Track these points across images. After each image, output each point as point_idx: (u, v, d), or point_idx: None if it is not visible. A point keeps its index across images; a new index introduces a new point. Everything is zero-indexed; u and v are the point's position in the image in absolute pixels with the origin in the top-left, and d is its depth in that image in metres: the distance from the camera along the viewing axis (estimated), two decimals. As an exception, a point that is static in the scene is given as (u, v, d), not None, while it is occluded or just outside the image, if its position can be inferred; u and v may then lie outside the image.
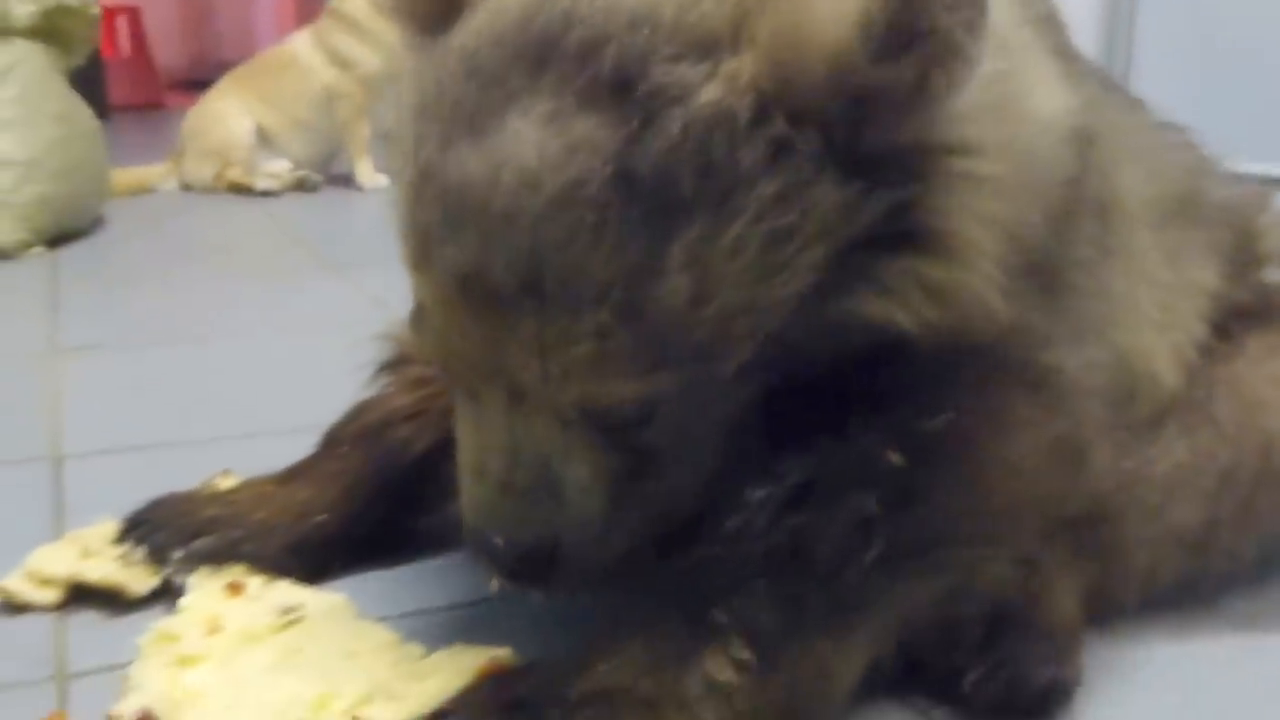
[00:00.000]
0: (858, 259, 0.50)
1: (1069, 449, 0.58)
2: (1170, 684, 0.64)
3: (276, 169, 2.70)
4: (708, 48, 0.47)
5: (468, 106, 0.50)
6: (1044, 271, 0.57)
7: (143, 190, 2.64)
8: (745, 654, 0.52)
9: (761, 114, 0.47)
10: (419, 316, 0.55)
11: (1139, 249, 0.68)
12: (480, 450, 0.54)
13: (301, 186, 2.69)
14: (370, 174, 2.74)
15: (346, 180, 2.75)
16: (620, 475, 0.53)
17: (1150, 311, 0.68)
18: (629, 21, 0.47)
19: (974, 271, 0.51)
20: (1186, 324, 0.71)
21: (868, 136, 0.47)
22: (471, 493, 0.55)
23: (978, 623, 0.58)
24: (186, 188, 2.70)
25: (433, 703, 0.57)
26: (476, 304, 0.49)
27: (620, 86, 0.47)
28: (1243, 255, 0.76)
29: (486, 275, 0.48)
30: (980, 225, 0.50)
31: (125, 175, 2.54)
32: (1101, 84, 0.73)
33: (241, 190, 2.62)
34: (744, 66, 0.47)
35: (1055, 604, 0.62)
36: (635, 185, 0.46)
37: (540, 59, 0.48)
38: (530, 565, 0.55)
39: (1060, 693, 0.59)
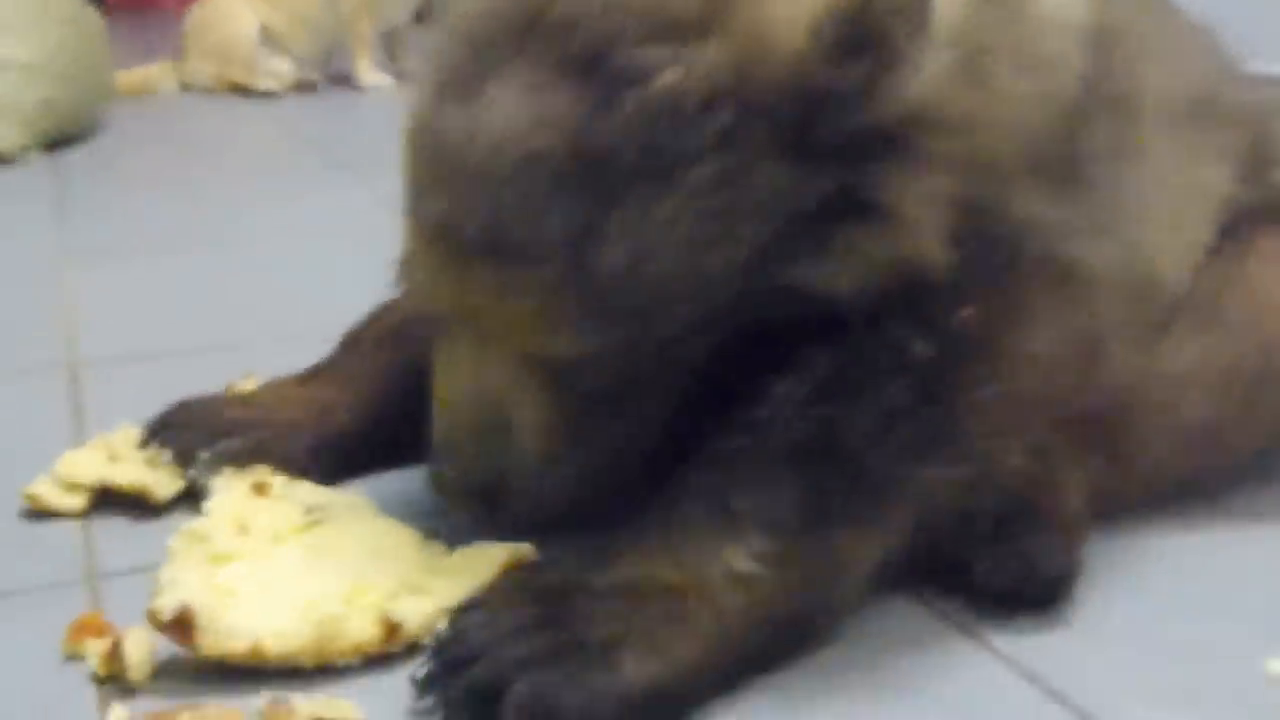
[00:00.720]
0: (802, 229, 0.53)
1: (1087, 343, 0.59)
2: (1168, 570, 0.66)
3: (278, 69, 2.63)
4: (675, 33, 0.50)
5: (459, 70, 0.55)
6: (1058, 166, 0.59)
7: (146, 91, 2.58)
8: (765, 544, 0.54)
9: (710, 101, 0.50)
10: (406, 260, 0.60)
11: (1155, 149, 0.69)
12: (448, 386, 0.59)
13: (304, 86, 2.61)
14: (370, 72, 2.65)
15: (345, 79, 2.67)
16: (566, 418, 0.57)
17: (1161, 212, 0.68)
18: (604, 2, 0.51)
19: (914, 243, 0.53)
20: (1195, 226, 0.71)
21: (816, 129, 0.51)
22: (437, 425, 0.61)
23: (989, 516, 0.60)
24: (186, 88, 2.63)
25: (459, 596, 0.57)
26: (448, 253, 0.55)
27: (589, 64, 0.51)
28: (1257, 158, 0.76)
29: (457, 228, 0.54)
30: (922, 201, 0.53)
31: (128, 76, 2.47)
32: None
33: (243, 90, 2.55)
34: (704, 55, 0.50)
35: (1064, 498, 0.64)
36: (588, 157, 0.51)
37: (525, 31, 0.52)
38: (477, 498, 0.60)
39: (1064, 582, 0.61)
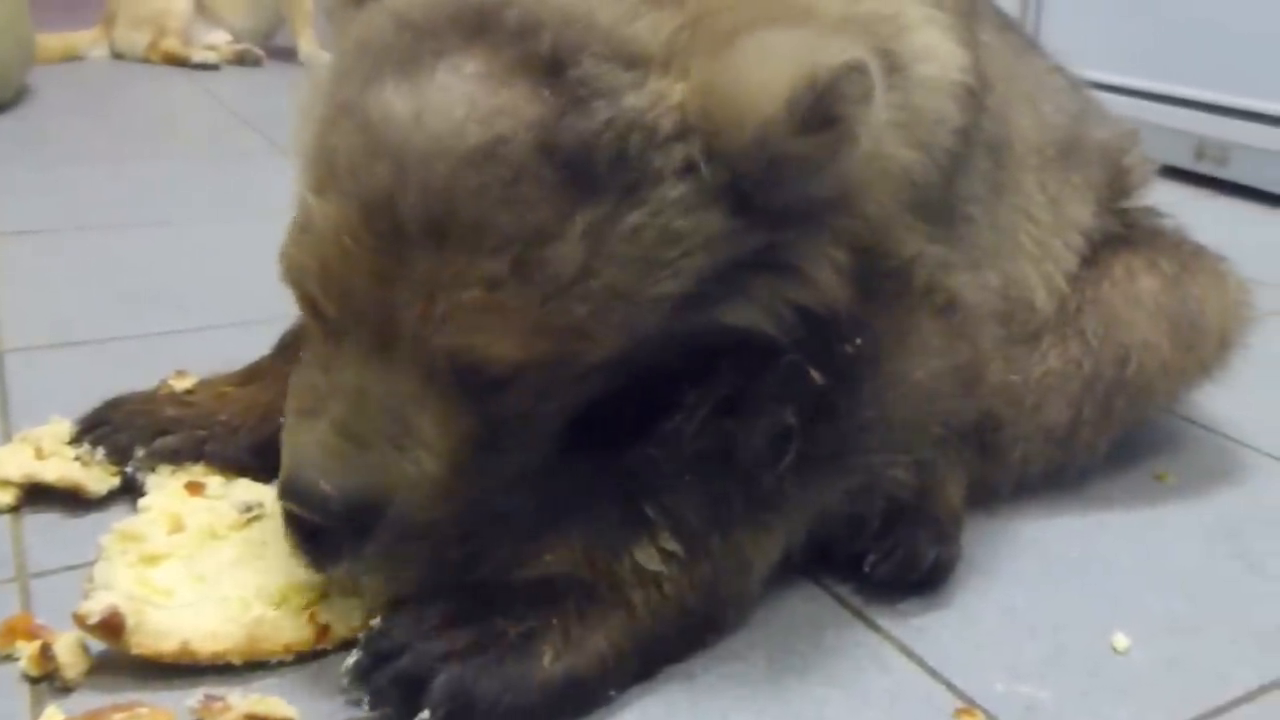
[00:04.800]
0: (732, 275, 0.54)
1: (968, 372, 0.64)
2: (1034, 555, 0.72)
3: (215, 41, 2.54)
4: (637, 62, 0.50)
5: (397, 53, 0.51)
6: (939, 207, 0.63)
7: (70, 57, 2.46)
8: (673, 545, 0.57)
9: (682, 133, 0.50)
10: (299, 241, 0.53)
11: (1025, 188, 0.76)
12: (323, 393, 0.52)
13: (242, 60, 2.52)
14: (314, 47, 2.58)
15: (288, 54, 2.60)
16: (466, 440, 0.53)
17: (1028, 246, 0.76)
18: (563, 16, 0.50)
19: (820, 294, 0.56)
20: (1059, 257, 0.79)
21: (769, 189, 0.51)
22: (300, 439, 0.53)
23: (876, 515, 0.65)
24: (118, 56, 2.51)
25: (388, 595, 0.58)
26: (376, 235, 0.49)
27: (554, 66, 0.49)
28: (1113, 190, 0.85)
29: (393, 207, 0.49)
30: (832, 268, 0.56)
31: (51, 41, 2.34)
32: (998, 29, 0.78)
33: (176, 62, 2.45)
34: (673, 91, 0.50)
35: (943, 495, 0.70)
36: (554, 155, 0.48)
37: (476, 27, 0.50)
38: (354, 519, 0.52)
39: (943, 569, 0.67)
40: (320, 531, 0.53)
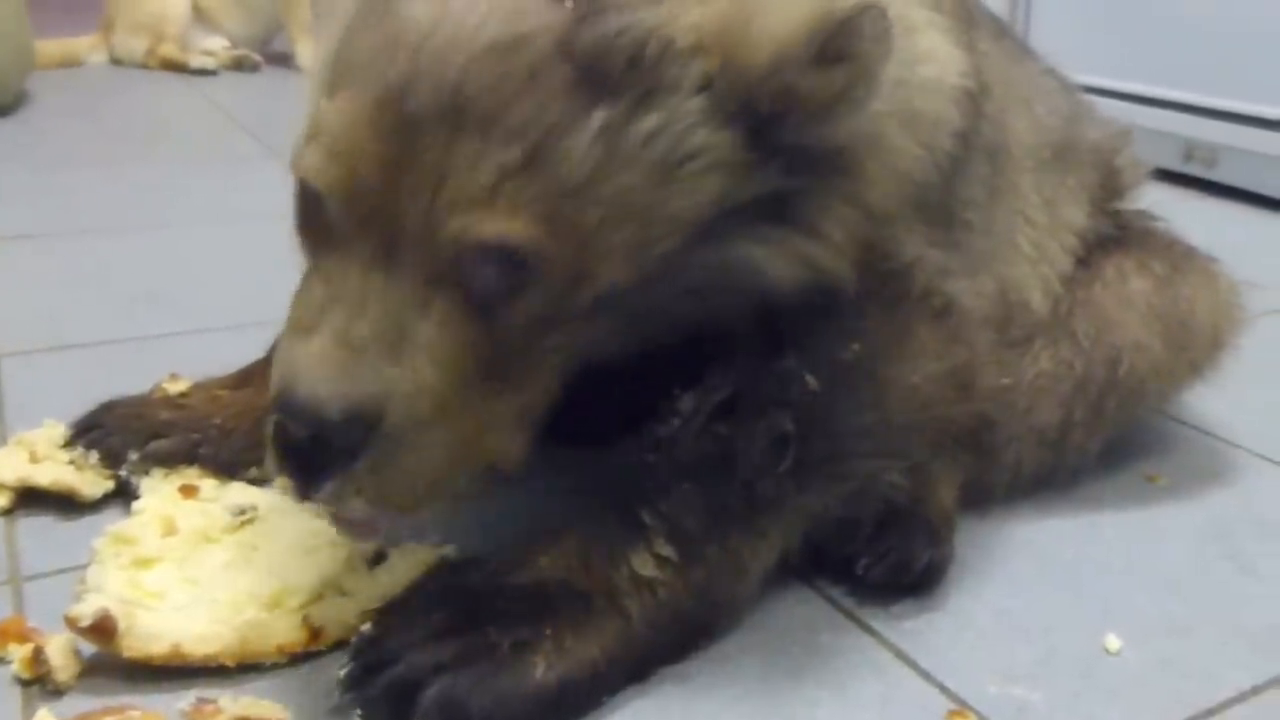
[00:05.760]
0: (745, 216, 0.53)
1: (963, 376, 0.63)
2: (1026, 557, 0.72)
3: (213, 46, 2.54)
4: None
5: None
6: (938, 210, 0.63)
7: (69, 63, 2.46)
8: (668, 551, 0.56)
9: (697, 51, 0.50)
10: (314, 141, 0.51)
11: (1022, 191, 0.75)
12: (322, 305, 0.50)
13: (240, 66, 2.52)
14: (310, 54, 2.58)
15: (286, 60, 2.60)
16: (467, 352, 0.50)
17: (1025, 248, 0.75)
18: None
19: (829, 258, 0.55)
20: (1055, 259, 0.78)
21: (778, 125, 0.51)
22: (295, 352, 0.50)
23: (870, 519, 0.65)
24: (116, 62, 2.52)
25: (382, 597, 0.58)
26: (388, 124, 0.49)
27: None
28: (1105, 191, 0.84)
29: (408, 96, 0.48)
30: (839, 226, 0.55)
31: (50, 47, 2.35)
32: (994, 35, 0.78)
33: (175, 68, 2.45)
34: (690, 11, 0.50)
35: (935, 498, 0.69)
36: (571, 55, 0.48)
37: None
38: (349, 429, 0.48)
39: (936, 571, 0.67)
40: (309, 449, 0.49)
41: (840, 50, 0.49)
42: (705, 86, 0.50)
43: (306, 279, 0.53)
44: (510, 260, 0.49)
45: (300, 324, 0.51)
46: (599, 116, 0.48)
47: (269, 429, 0.51)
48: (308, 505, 0.56)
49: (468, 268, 0.49)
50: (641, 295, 0.52)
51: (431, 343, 0.49)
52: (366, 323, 0.49)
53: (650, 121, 0.49)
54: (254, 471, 0.70)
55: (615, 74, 0.49)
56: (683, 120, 0.50)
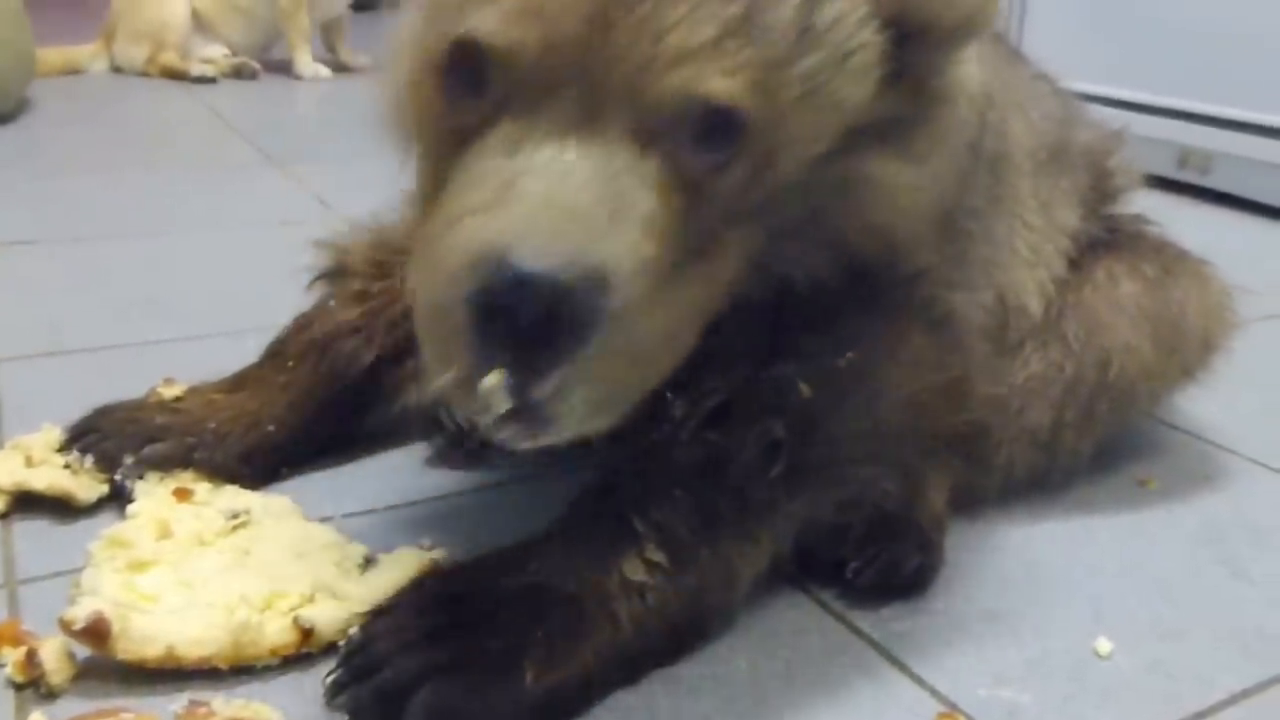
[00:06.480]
0: (866, 137, 0.54)
1: (959, 386, 0.63)
2: (1017, 560, 0.72)
3: (213, 54, 2.54)
4: None
5: None
6: (945, 222, 0.63)
7: (71, 71, 2.46)
8: (659, 556, 0.56)
9: None
10: (490, 3, 0.47)
11: (1020, 195, 0.76)
12: (510, 177, 0.44)
13: (239, 74, 2.53)
14: (309, 64, 2.59)
15: (284, 68, 2.60)
16: (683, 229, 0.46)
17: (1023, 252, 0.76)
18: None
19: (886, 217, 0.56)
20: (1050, 262, 0.78)
21: (914, 47, 0.53)
22: (485, 227, 0.43)
23: (861, 523, 0.65)
24: (117, 70, 2.52)
25: (374, 600, 0.58)
26: None
27: None
28: (1097, 194, 0.84)
29: None
30: (941, 156, 0.57)
31: (51, 55, 2.36)
32: (991, 40, 0.77)
33: (175, 76, 2.46)
34: None
35: (926, 501, 0.69)
36: None
37: None
38: (585, 302, 0.42)
39: (926, 575, 0.67)
40: (529, 330, 0.42)
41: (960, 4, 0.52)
42: (865, 21, 0.51)
43: (470, 159, 0.47)
44: (728, 123, 0.46)
45: (478, 204, 0.44)
46: None
47: (454, 317, 0.43)
48: (480, 414, 0.46)
49: (685, 129, 0.46)
50: (792, 202, 0.52)
51: (652, 213, 0.45)
52: (577, 189, 0.44)
53: (835, 6, 0.50)
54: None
55: None
56: (856, 11, 0.51)
